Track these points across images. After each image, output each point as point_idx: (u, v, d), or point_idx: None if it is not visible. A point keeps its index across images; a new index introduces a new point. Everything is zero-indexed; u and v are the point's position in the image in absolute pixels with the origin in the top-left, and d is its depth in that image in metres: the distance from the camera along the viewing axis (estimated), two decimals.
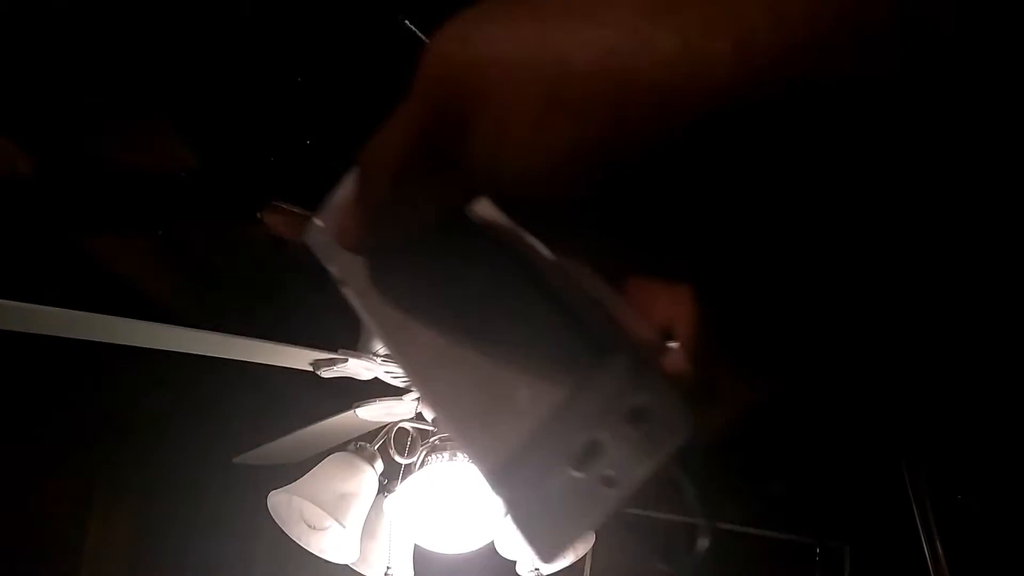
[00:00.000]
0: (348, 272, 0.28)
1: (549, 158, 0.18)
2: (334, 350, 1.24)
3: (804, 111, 0.16)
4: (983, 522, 2.24)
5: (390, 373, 1.33)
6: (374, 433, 1.40)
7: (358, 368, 1.28)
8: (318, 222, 0.29)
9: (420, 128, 0.21)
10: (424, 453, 1.33)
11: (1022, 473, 2.15)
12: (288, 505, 1.30)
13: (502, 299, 0.25)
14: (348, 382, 1.32)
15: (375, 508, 1.33)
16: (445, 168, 0.21)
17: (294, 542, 1.33)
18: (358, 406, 1.38)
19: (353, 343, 1.30)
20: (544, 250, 0.25)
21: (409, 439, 1.38)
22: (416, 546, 1.35)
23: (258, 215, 1.40)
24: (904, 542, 2.17)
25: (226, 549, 2.39)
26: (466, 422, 0.24)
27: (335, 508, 1.25)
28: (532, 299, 0.24)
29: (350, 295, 0.28)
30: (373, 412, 1.40)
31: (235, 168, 1.42)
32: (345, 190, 0.28)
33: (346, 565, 1.34)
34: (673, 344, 0.24)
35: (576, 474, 0.22)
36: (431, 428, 1.36)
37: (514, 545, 1.28)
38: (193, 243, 1.73)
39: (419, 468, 1.32)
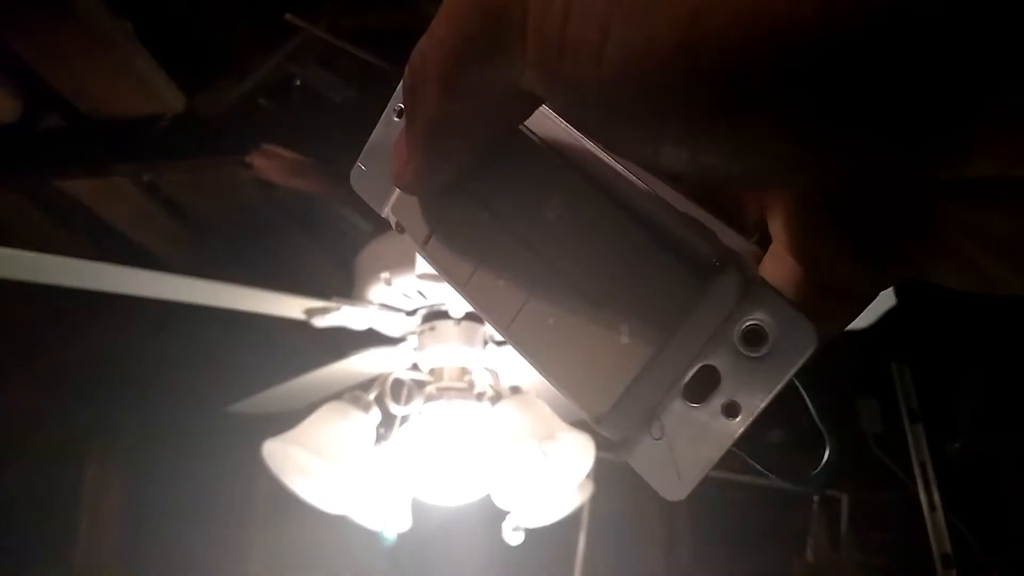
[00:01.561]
0: (406, 216, 0.26)
1: (613, 63, 0.16)
2: (328, 298, 1.21)
3: None
4: (979, 470, 2.26)
5: (385, 322, 1.31)
6: (370, 383, 1.39)
7: (352, 317, 1.26)
8: (361, 166, 0.28)
9: (472, 20, 0.19)
10: (420, 402, 1.32)
11: (1017, 420, 2.16)
12: (283, 454, 1.29)
13: (583, 229, 0.22)
14: (342, 331, 1.30)
15: (372, 458, 1.32)
16: (506, 66, 0.19)
17: (290, 491, 1.32)
18: (353, 355, 1.37)
19: (347, 290, 1.28)
20: (620, 167, 0.22)
21: (405, 389, 1.37)
22: (414, 499, 1.34)
23: (247, 159, 1.37)
24: (901, 491, 2.19)
25: (222, 498, 2.40)
26: (565, 367, 0.22)
27: (331, 457, 1.24)
28: (617, 225, 0.22)
29: (411, 241, 0.26)
30: (368, 361, 1.39)
31: (222, 110, 1.38)
32: (386, 127, 0.27)
33: (343, 515, 1.33)
34: (775, 249, 0.22)
35: (693, 406, 0.20)
36: (427, 378, 1.34)
37: (511, 496, 1.28)
38: (181, 188, 1.70)
39: (415, 417, 1.31)
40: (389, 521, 1.35)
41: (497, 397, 1.30)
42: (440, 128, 0.21)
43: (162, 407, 2.18)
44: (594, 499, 1.54)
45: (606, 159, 0.22)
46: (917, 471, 2.14)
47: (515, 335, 0.23)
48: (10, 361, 1.96)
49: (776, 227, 0.23)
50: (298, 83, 1.35)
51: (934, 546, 2.20)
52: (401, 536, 1.39)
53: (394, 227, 0.26)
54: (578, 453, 1.25)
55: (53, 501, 2.22)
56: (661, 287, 0.21)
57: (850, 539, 2.30)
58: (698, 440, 0.20)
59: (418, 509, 1.37)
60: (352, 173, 0.28)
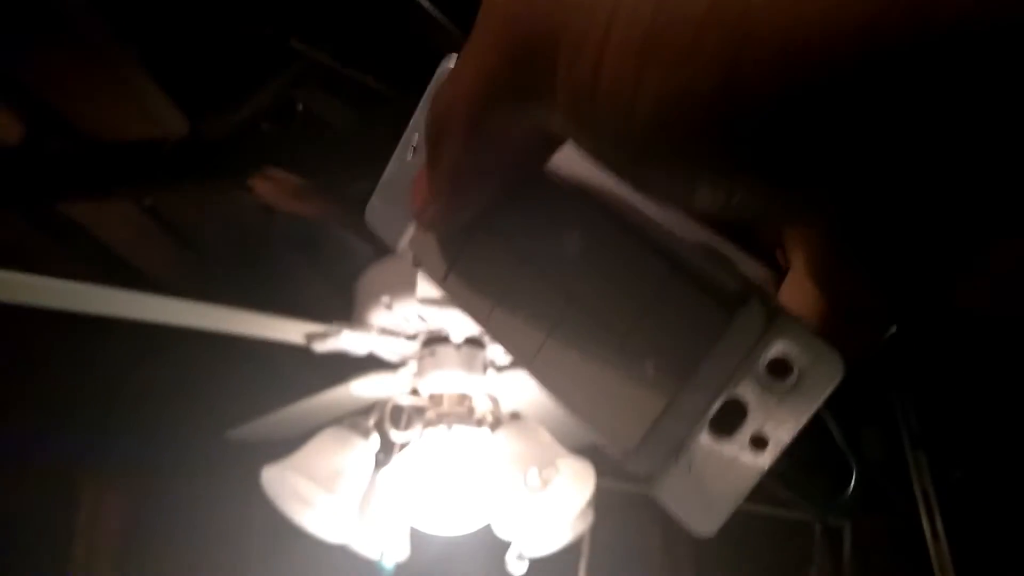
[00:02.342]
0: (423, 251, 0.26)
1: (648, 111, 0.16)
2: (328, 322, 1.21)
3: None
4: (983, 500, 2.24)
5: (385, 347, 1.31)
6: (369, 408, 1.38)
7: (352, 342, 1.25)
8: (375, 202, 0.28)
9: (500, 66, 0.19)
10: (420, 428, 1.31)
11: (1021, 450, 2.15)
12: (282, 480, 1.28)
13: (604, 263, 0.22)
14: (342, 357, 1.30)
15: (371, 486, 1.30)
16: (535, 111, 0.19)
17: (288, 520, 1.31)
18: (353, 381, 1.36)
19: (347, 315, 1.28)
20: (641, 201, 0.22)
21: (405, 414, 1.36)
22: (413, 529, 1.33)
23: (248, 183, 1.37)
24: (904, 520, 2.17)
25: (219, 525, 2.38)
26: (591, 402, 0.22)
27: (330, 483, 1.22)
28: (638, 258, 0.22)
29: (428, 276, 0.26)
30: (368, 387, 1.38)
31: (225, 134, 1.38)
32: (400, 162, 0.27)
33: (341, 545, 1.32)
34: (796, 277, 0.22)
35: (721, 439, 0.20)
36: (426, 403, 1.33)
37: (511, 525, 1.26)
38: (182, 212, 1.70)
39: (415, 443, 1.30)
40: (387, 550, 1.33)
41: (497, 423, 1.29)
42: (465, 172, 0.22)
43: (159, 433, 2.17)
44: (595, 528, 1.52)
45: (625, 194, 0.22)
46: (920, 499, 2.13)
47: (539, 369, 0.23)
48: (6, 386, 1.95)
49: (797, 253, 0.23)
50: (300, 108, 1.35)
51: (937, 574, 2.18)
52: (400, 565, 1.37)
53: (411, 262, 0.26)
54: (578, 480, 1.24)
55: (48, 529, 2.20)
56: (685, 320, 0.21)
57: (852, 568, 2.28)
58: (726, 473, 0.20)
59: (417, 536, 1.35)
60: (367, 208, 0.28)
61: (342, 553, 1.34)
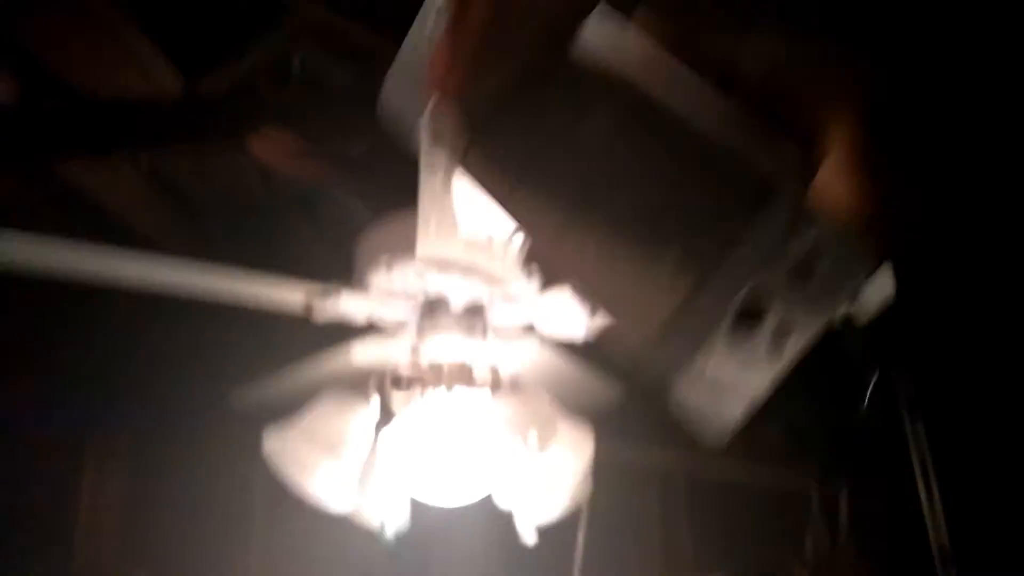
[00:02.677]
0: (441, 128, 0.25)
1: None
2: (327, 284, 1.20)
3: None
4: (980, 467, 2.26)
5: (385, 311, 1.30)
6: (369, 374, 1.38)
7: (352, 304, 1.25)
8: (392, 79, 0.26)
9: None
10: (420, 392, 1.31)
11: (1018, 415, 2.15)
12: (282, 446, 1.28)
13: (631, 147, 0.21)
14: (343, 324, 1.29)
15: (371, 451, 1.31)
16: None
17: (290, 487, 1.31)
18: (353, 346, 1.36)
19: (346, 277, 1.27)
20: (674, 85, 0.21)
21: (405, 380, 1.36)
22: (413, 499, 1.33)
23: (246, 142, 1.35)
24: (901, 487, 2.18)
25: (222, 493, 2.39)
26: (608, 291, 0.21)
27: (331, 448, 1.23)
28: (667, 144, 0.20)
29: (447, 160, 0.25)
30: (368, 352, 1.38)
31: (221, 94, 1.37)
32: (418, 37, 0.25)
33: (342, 511, 1.32)
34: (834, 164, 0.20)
35: (742, 333, 0.19)
36: (426, 369, 1.33)
37: (512, 494, 1.27)
38: (178, 173, 1.68)
39: (415, 407, 1.30)
40: (388, 518, 1.34)
41: (496, 388, 1.29)
42: (492, 36, 0.21)
43: (160, 400, 2.17)
44: (593, 498, 1.53)
45: (656, 76, 0.21)
46: (916, 466, 2.14)
47: (559, 258, 0.22)
48: (6, 357, 1.95)
49: (834, 144, 0.22)
50: (297, 65, 1.34)
51: (933, 540, 2.20)
52: (400, 533, 1.38)
53: (428, 139, 0.25)
54: (577, 444, 1.24)
55: (51, 497, 2.21)
56: (714, 206, 0.20)
57: (849, 535, 2.30)
58: (746, 368, 0.19)
59: (418, 505, 1.36)
60: (383, 92, 0.26)
61: (343, 518, 1.35)
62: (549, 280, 0.24)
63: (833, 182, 0.22)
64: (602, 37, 0.22)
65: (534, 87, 0.22)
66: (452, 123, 0.24)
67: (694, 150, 0.20)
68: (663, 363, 0.21)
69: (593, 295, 0.22)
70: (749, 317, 0.19)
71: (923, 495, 2.20)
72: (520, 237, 0.24)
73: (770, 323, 0.19)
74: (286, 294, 1.20)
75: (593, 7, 0.20)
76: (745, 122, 0.21)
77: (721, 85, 0.21)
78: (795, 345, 0.19)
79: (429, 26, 0.25)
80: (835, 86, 0.21)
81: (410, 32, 0.26)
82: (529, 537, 1.29)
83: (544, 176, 0.22)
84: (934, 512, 2.15)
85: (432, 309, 1.29)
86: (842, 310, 0.18)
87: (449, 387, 1.28)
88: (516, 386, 1.29)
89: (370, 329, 1.34)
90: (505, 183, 0.23)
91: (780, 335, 0.19)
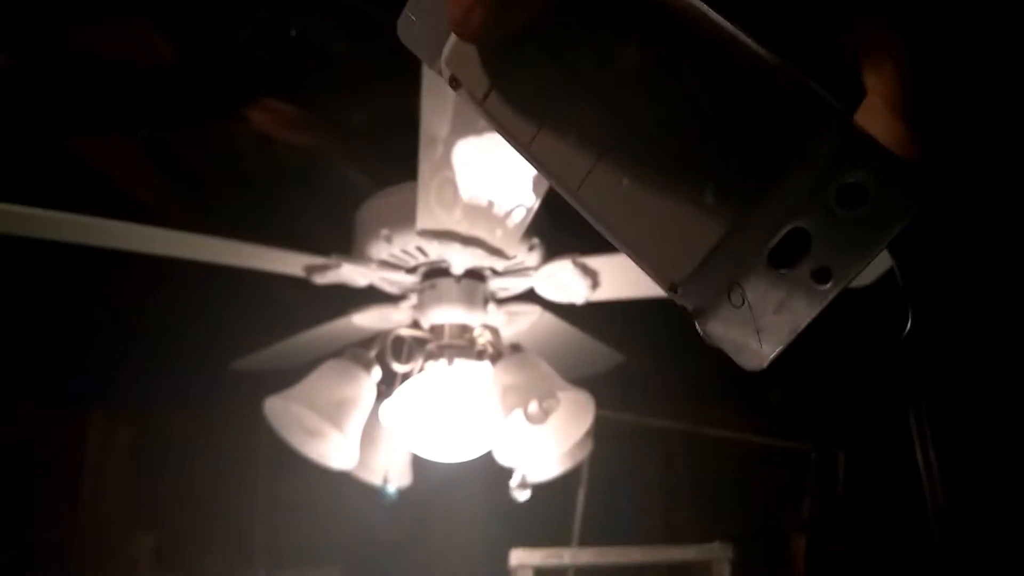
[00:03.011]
0: (462, 68, 0.23)
1: None
2: (327, 255, 1.21)
3: None
4: (977, 429, 2.28)
5: (386, 280, 1.31)
6: (371, 340, 1.39)
7: (352, 274, 1.26)
8: (409, 15, 0.25)
9: None
10: (421, 360, 1.32)
11: (1014, 380, 2.17)
12: (286, 411, 1.30)
13: (664, 78, 0.20)
14: (343, 288, 1.30)
15: (373, 415, 1.32)
16: None
17: (293, 447, 1.33)
18: (354, 313, 1.36)
19: (346, 247, 1.27)
20: (706, 18, 0.20)
21: (406, 346, 1.37)
22: (415, 455, 1.35)
23: (243, 113, 1.34)
24: (898, 450, 2.20)
25: (226, 457, 2.42)
26: (640, 231, 0.20)
27: (333, 414, 1.24)
28: (703, 74, 0.20)
29: (468, 97, 0.24)
30: (369, 319, 1.39)
31: (218, 64, 1.35)
32: None
33: (345, 471, 1.34)
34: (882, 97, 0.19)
35: (780, 271, 0.19)
36: (428, 336, 1.34)
37: (512, 452, 1.28)
38: (177, 144, 1.68)
39: (416, 375, 1.31)
40: (390, 477, 1.36)
41: (497, 355, 1.30)
42: None
43: (164, 365, 2.19)
44: (593, 456, 1.55)
45: (688, 9, 0.20)
46: (913, 429, 2.16)
47: (584, 198, 0.21)
48: (11, 322, 1.96)
49: (876, 78, 0.21)
50: (294, 35, 1.32)
51: (929, 502, 2.23)
52: (402, 491, 1.40)
53: (447, 81, 0.24)
54: (578, 411, 1.26)
55: (57, 460, 2.24)
56: (752, 141, 0.19)
57: (846, 496, 2.33)
58: (784, 307, 0.19)
59: (419, 465, 1.38)
60: (399, 22, 0.25)
61: (346, 479, 1.37)
62: (575, 227, 0.23)
63: (875, 119, 0.21)
64: None
65: (561, 20, 0.21)
66: (470, 68, 0.23)
67: (731, 81, 0.19)
68: (695, 300, 0.20)
69: (619, 240, 0.21)
70: (788, 255, 0.19)
71: (920, 458, 2.22)
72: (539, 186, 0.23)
73: (810, 263, 0.18)
74: (286, 264, 1.20)
75: None
76: (783, 54, 0.20)
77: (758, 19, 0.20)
78: (838, 284, 0.18)
79: None
80: (880, 25, 0.20)
81: None
82: (521, 495, 1.31)
83: (570, 117, 0.21)
84: (931, 475, 2.17)
85: (433, 278, 1.29)
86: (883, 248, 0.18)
87: (450, 356, 1.29)
88: (517, 353, 1.30)
89: (372, 296, 1.35)
90: (528, 128, 0.22)
91: (821, 275, 0.18)
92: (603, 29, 0.21)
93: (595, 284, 1.26)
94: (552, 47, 0.21)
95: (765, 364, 0.19)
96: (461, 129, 0.92)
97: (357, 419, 1.27)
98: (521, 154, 0.23)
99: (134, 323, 2.16)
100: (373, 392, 1.32)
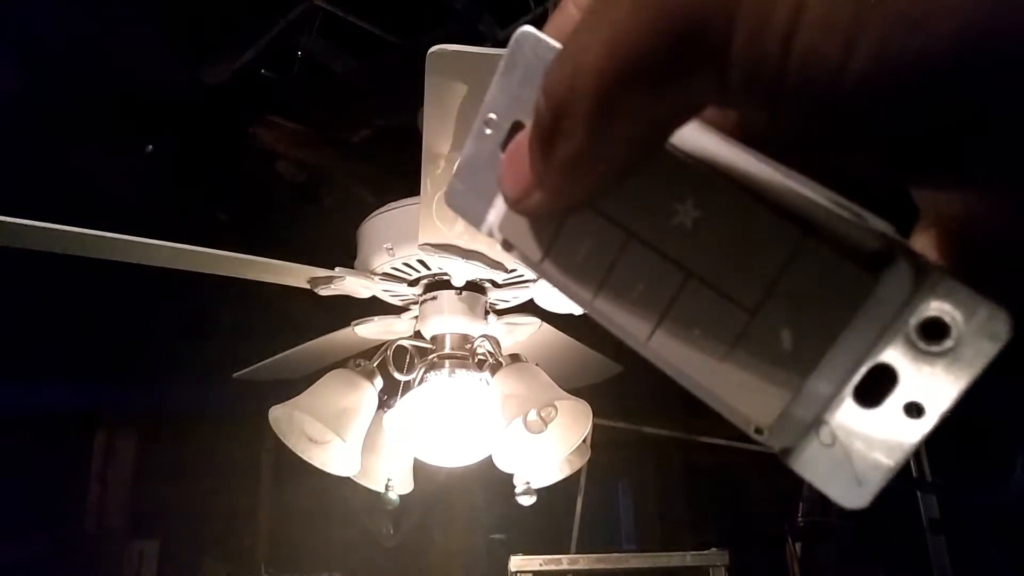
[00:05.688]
0: (516, 234, 0.23)
1: (874, 74, 0.15)
2: (331, 268, 1.23)
3: None
4: (969, 438, 2.29)
5: (388, 292, 1.33)
6: (373, 350, 1.41)
7: (356, 286, 1.28)
8: (457, 184, 0.25)
9: (651, 42, 0.17)
10: (423, 370, 1.34)
11: (1005, 392, 2.19)
12: (289, 419, 1.31)
13: (726, 231, 0.20)
14: (346, 299, 1.32)
15: (375, 423, 1.34)
16: (690, 87, 0.18)
17: (296, 455, 1.35)
18: (357, 324, 1.39)
19: (350, 260, 1.29)
20: (757, 166, 0.20)
21: (408, 356, 1.39)
22: (417, 460, 1.37)
23: (249, 129, 1.37)
24: None
25: (229, 464, 2.44)
26: (718, 380, 0.20)
27: (335, 422, 1.26)
28: (765, 223, 0.20)
29: (522, 261, 0.23)
30: (372, 329, 1.41)
31: (225, 81, 1.38)
32: (479, 141, 0.24)
33: (348, 477, 1.37)
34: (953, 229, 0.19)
35: (868, 409, 0.18)
36: (429, 346, 1.37)
37: (512, 459, 1.31)
38: (184, 159, 1.70)
39: (418, 384, 1.33)
40: (392, 484, 1.38)
41: (497, 365, 1.32)
42: (586, 159, 0.19)
43: (170, 374, 2.20)
44: (591, 464, 1.57)
45: (740, 160, 0.20)
46: None
47: (655, 350, 0.21)
48: (18, 331, 1.98)
49: (931, 201, 0.20)
50: (300, 53, 1.35)
51: (923, 509, 2.25)
52: (403, 497, 1.43)
53: (500, 245, 0.24)
54: (576, 420, 1.28)
55: (62, 470, 2.24)
56: (824, 285, 0.19)
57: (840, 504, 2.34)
58: (877, 444, 0.18)
59: (420, 471, 1.40)
60: (447, 190, 0.25)
61: (348, 486, 1.39)
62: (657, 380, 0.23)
63: (933, 243, 0.21)
64: (693, 133, 0.21)
65: (617, 186, 0.21)
66: (524, 233, 0.23)
67: (795, 227, 0.19)
68: (783, 442, 0.20)
69: (696, 391, 0.21)
70: (872, 392, 0.18)
71: (913, 465, 2.24)
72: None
73: (900, 398, 0.18)
74: (291, 277, 1.23)
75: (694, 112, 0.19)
76: (836, 196, 0.20)
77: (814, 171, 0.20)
78: (931, 419, 0.18)
79: (484, 134, 0.24)
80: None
81: (470, 135, 0.25)
82: (526, 501, 1.33)
83: (629, 275, 0.21)
84: (924, 482, 2.19)
85: (434, 289, 1.32)
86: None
87: (451, 367, 1.31)
88: (516, 363, 1.32)
89: (375, 307, 1.37)
90: (588, 288, 0.22)
91: (912, 411, 0.18)
92: (659, 191, 0.21)
93: None
94: (609, 212, 0.21)
95: (866, 503, 0.19)
96: (461, 147, 0.94)
97: (359, 427, 1.29)
98: (584, 309, 0.23)
99: (139, 333, 2.17)
100: (375, 401, 1.34)
